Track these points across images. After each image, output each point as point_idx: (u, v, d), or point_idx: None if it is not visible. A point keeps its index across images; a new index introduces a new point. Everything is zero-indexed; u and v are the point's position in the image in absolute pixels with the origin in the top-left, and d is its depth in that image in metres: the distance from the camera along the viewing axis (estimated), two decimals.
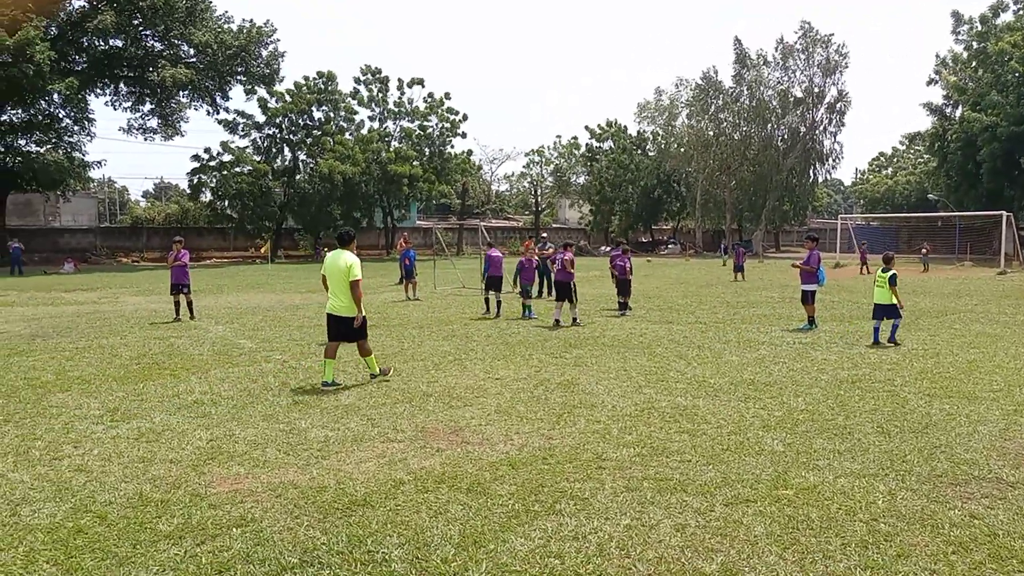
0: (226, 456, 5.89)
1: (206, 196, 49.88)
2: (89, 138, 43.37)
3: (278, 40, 49.85)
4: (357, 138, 51.80)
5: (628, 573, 3.93)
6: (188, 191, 51.73)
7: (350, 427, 6.72)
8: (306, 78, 51.49)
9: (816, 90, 56.24)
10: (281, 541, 4.31)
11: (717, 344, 11.72)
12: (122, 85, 44.61)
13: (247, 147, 49.83)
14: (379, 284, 25.13)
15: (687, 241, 66.78)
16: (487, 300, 16.24)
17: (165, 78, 41.05)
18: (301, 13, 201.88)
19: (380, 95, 54.22)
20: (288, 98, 49.76)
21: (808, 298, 13.48)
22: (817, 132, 57.55)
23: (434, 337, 12.60)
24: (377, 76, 53.93)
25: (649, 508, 4.76)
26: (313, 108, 51.33)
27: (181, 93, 44.93)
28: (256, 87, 48.17)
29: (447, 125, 55.60)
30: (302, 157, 51.93)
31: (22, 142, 41.33)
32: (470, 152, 59.67)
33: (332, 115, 52.52)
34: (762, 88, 57.64)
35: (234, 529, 4.47)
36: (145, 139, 47.66)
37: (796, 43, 55.79)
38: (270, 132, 50.54)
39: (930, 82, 52.93)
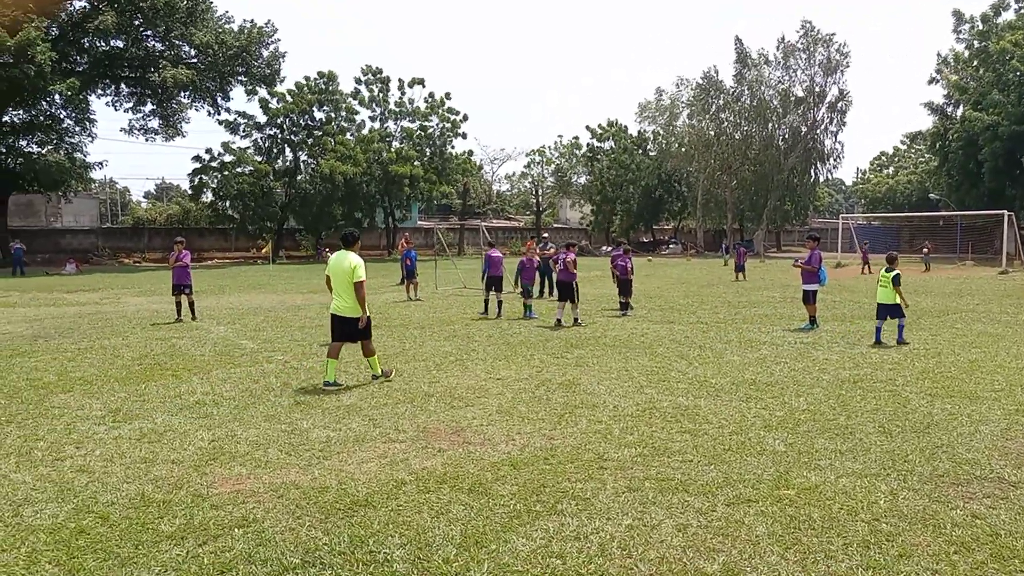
0: (228, 457, 5.90)
1: (207, 197, 49.92)
2: (90, 139, 43.57)
3: (279, 40, 50.05)
4: (358, 138, 51.83)
5: (630, 573, 3.93)
6: (189, 192, 51.80)
7: (352, 427, 6.73)
8: (307, 78, 51.55)
9: (817, 89, 56.24)
10: (283, 541, 4.31)
11: (718, 344, 11.71)
12: (123, 86, 44.67)
13: (248, 147, 49.93)
14: (380, 284, 25.13)
15: (688, 241, 66.75)
16: (486, 301, 16.24)
17: (166, 79, 41.09)
18: (301, 13, 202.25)
19: (381, 95, 54.25)
20: (289, 98, 49.81)
21: (809, 298, 13.48)
22: (818, 131, 57.54)
23: (435, 337, 12.61)
24: (378, 76, 53.95)
25: (651, 508, 4.76)
26: (314, 108, 51.38)
27: (182, 94, 44.95)
28: (257, 87, 48.20)
29: (448, 125, 55.62)
30: (303, 157, 51.98)
31: (23, 143, 41.42)
32: (471, 152, 59.78)
33: (333, 115, 52.56)
34: (763, 87, 57.63)
35: (236, 529, 4.47)
36: (146, 140, 47.74)
37: (797, 42, 55.80)
38: (271, 132, 50.60)
39: (931, 81, 52.92)
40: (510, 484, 5.22)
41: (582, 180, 70.54)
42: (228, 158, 48.34)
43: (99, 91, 44.44)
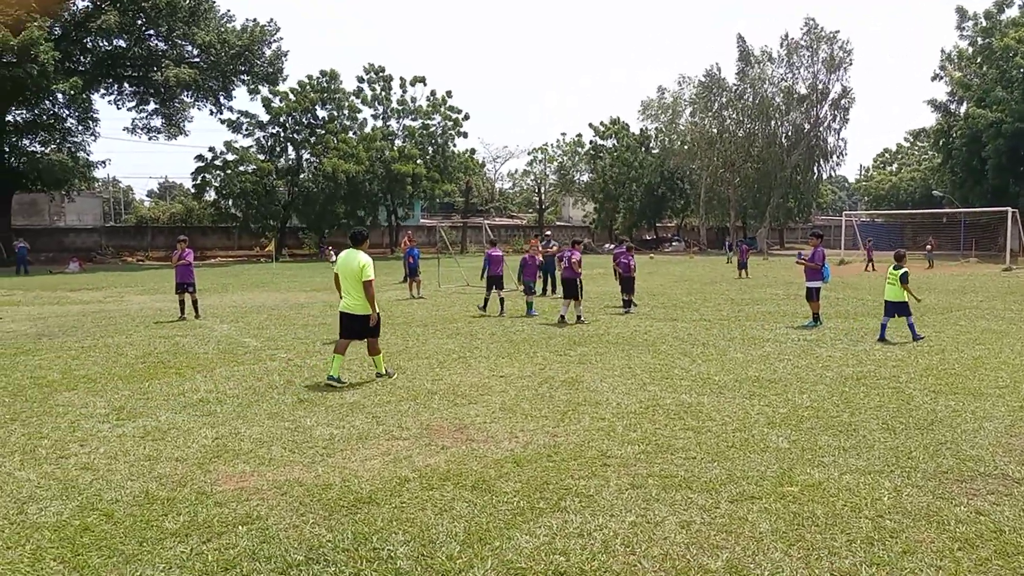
0: (232, 454, 5.91)
1: (210, 195, 49.98)
2: (93, 138, 43.73)
3: (281, 39, 50.07)
4: (360, 137, 51.82)
5: (633, 570, 3.93)
6: (192, 190, 51.88)
7: (355, 425, 6.74)
8: (309, 77, 51.51)
9: (820, 87, 56.10)
10: (287, 539, 4.32)
11: (722, 341, 11.70)
12: (126, 85, 44.76)
13: (251, 146, 49.97)
14: (383, 282, 25.11)
15: (691, 238, 66.67)
16: (486, 299, 16.26)
17: (169, 78, 41.16)
18: (303, 13, 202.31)
19: (383, 94, 54.24)
20: (292, 97, 49.81)
21: (813, 295, 13.47)
22: (821, 129, 57.43)
23: (438, 335, 12.62)
24: (380, 75, 53.95)
25: (654, 505, 4.76)
26: (317, 107, 51.37)
27: (185, 93, 45.04)
28: (259, 86, 48.24)
29: (449, 123, 55.62)
30: (306, 156, 52.00)
31: (26, 142, 41.53)
32: (473, 151, 59.75)
33: (336, 114, 52.55)
34: (766, 85, 57.51)
35: (240, 527, 4.48)
36: (149, 139, 47.94)
37: (800, 39, 55.68)
38: (274, 131, 50.60)
39: (935, 78, 52.76)
40: (513, 481, 5.22)
41: (585, 178, 70.49)
42: (231, 157, 48.39)
43: (102, 90, 44.57)
